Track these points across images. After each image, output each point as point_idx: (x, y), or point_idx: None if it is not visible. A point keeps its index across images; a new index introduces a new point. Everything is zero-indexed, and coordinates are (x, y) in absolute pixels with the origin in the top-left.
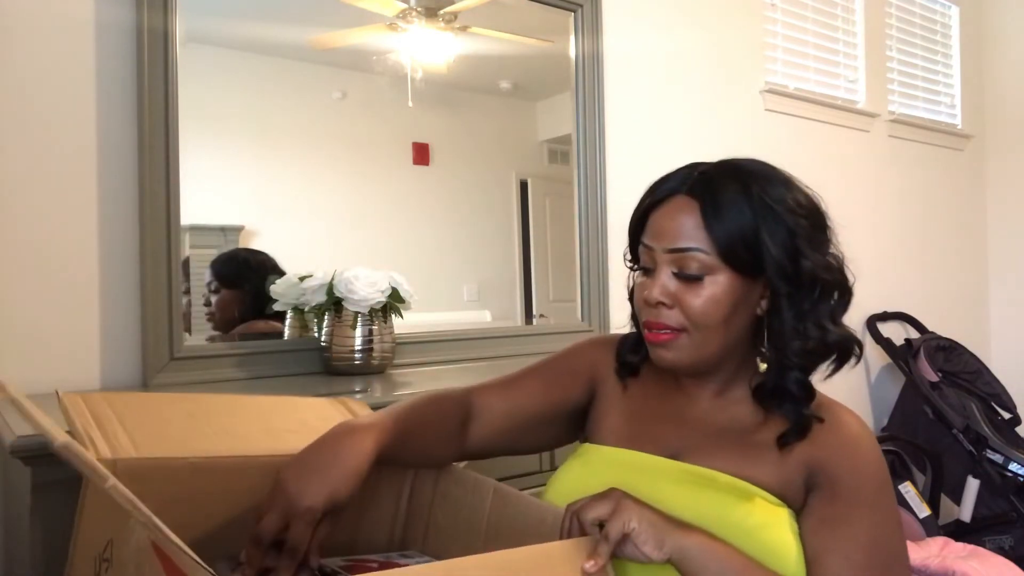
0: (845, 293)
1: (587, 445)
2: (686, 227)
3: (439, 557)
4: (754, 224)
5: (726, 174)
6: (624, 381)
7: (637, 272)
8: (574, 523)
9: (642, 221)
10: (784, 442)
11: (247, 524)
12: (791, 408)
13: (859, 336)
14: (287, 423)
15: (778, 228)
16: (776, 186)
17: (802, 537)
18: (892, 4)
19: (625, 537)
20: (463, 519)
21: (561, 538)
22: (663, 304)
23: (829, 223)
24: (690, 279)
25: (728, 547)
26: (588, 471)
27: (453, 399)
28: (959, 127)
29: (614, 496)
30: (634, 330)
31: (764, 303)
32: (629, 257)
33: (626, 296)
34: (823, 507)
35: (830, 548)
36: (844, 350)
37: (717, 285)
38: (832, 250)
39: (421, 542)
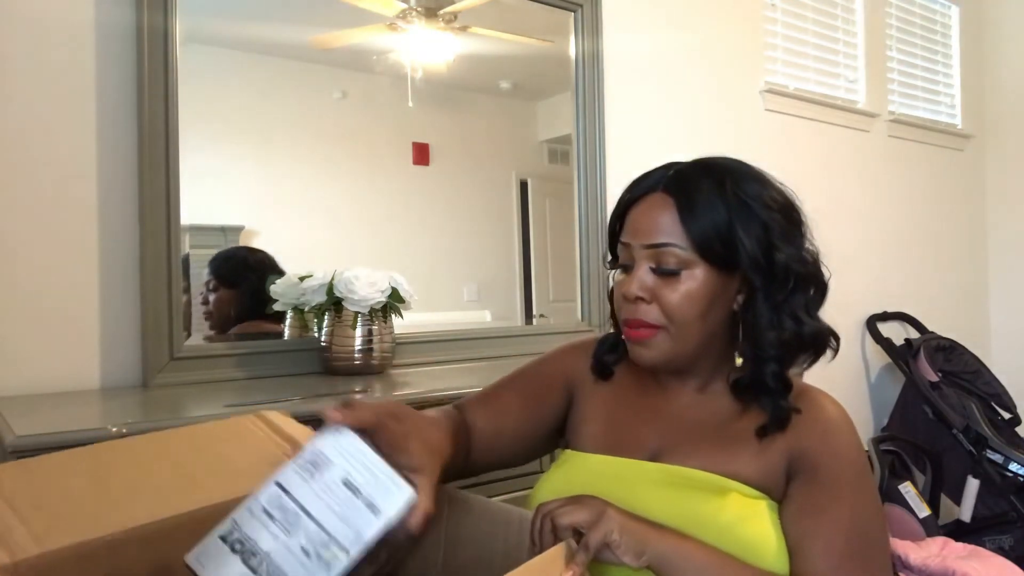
0: (820, 287)
1: (568, 452)
2: (663, 223)
3: None
4: (728, 219)
5: (701, 171)
6: (601, 381)
7: (617, 271)
8: (546, 524)
9: (620, 219)
10: (763, 434)
11: None
12: (768, 401)
13: (859, 336)
14: (203, 461)
15: (752, 223)
16: (750, 182)
17: (784, 525)
18: (892, 4)
19: (604, 546)
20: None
21: (531, 538)
22: (642, 299)
23: (803, 219)
24: (667, 274)
25: (705, 547)
26: (569, 480)
27: (455, 419)
28: (959, 127)
29: (596, 505)
30: (612, 331)
31: (740, 298)
32: (609, 258)
33: (607, 296)
34: (803, 494)
35: (811, 534)
36: (819, 343)
37: (694, 280)
38: (807, 245)
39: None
